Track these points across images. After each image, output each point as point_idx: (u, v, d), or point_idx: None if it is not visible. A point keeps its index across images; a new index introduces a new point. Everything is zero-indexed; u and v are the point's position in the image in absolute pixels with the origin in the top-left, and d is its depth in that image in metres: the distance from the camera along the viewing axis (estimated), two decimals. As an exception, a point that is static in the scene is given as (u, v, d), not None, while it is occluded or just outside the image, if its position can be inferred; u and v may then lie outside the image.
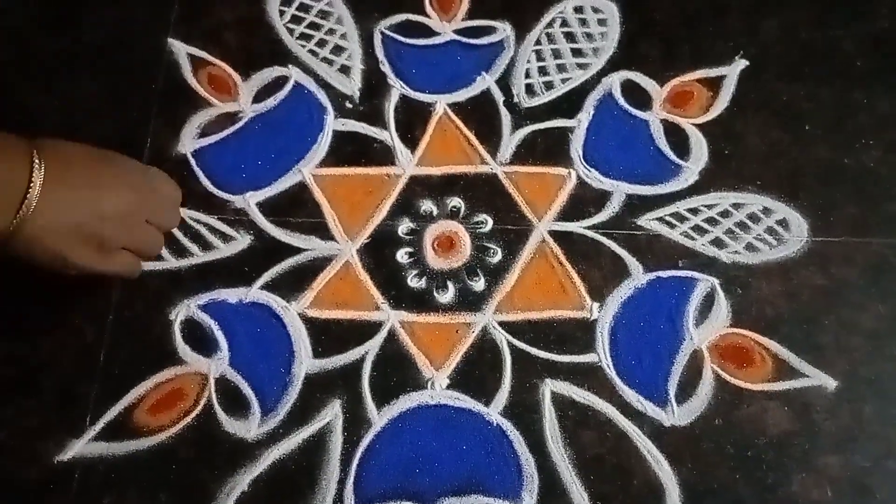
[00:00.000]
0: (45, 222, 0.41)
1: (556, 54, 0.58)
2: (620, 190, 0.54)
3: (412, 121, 0.57)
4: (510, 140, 0.56)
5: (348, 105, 0.57)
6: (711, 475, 0.46)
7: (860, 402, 0.48)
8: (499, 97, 0.57)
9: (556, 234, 0.53)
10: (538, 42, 0.59)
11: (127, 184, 0.46)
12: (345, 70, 0.58)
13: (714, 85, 0.57)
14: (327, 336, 0.50)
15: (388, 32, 0.59)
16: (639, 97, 0.57)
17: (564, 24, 0.59)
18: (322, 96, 0.57)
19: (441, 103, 0.57)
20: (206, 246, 0.53)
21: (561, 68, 0.58)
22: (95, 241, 0.43)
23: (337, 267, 0.52)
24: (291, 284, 0.52)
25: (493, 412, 0.48)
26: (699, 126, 0.55)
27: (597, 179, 0.54)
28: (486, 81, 0.57)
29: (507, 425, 0.48)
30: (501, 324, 0.51)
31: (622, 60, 0.58)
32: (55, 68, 0.58)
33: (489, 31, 0.59)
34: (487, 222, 0.54)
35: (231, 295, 0.52)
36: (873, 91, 0.56)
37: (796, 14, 0.59)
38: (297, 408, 0.49)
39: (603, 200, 0.54)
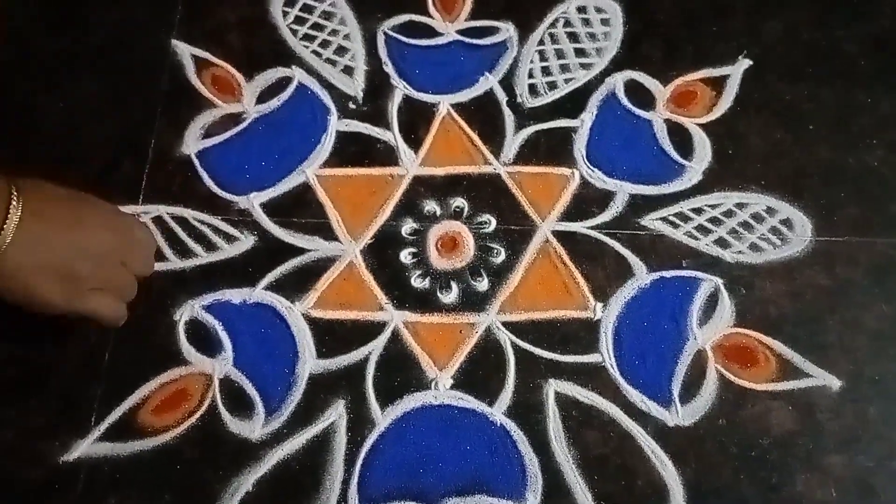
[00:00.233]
0: (19, 260, 0.41)
1: (560, 54, 0.58)
2: (624, 190, 0.54)
3: (415, 121, 0.57)
4: (513, 140, 0.56)
5: (352, 106, 0.57)
6: (715, 475, 0.46)
7: (864, 402, 0.48)
8: (502, 97, 0.57)
9: (559, 234, 0.53)
10: (541, 42, 0.59)
11: (104, 225, 0.46)
12: (348, 71, 0.58)
13: (717, 84, 0.57)
14: (331, 336, 0.51)
15: (391, 33, 0.59)
16: (642, 97, 0.57)
17: (567, 23, 0.59)
18: (325, 97, 0.57)
19: (444, 104, 0.57)
20: (209, 246, 0.53)
21: (564, 68, 0.58)
22: (69, 280, 0.43)
23: (341, 267, 0.52)
24: (295, 285, 0.52)
25: (497, 412, 0.48)
26: (703, 126, 0.55)
27: (600, 179, 0.54)
28: (490, 82, 0.58)
29: (511, 425, 0.48)
30: (505, 324, 0.51)
31: (625, 60, 0.58)
32: (58, 69, 0.58)
33: (492, 31, 0.59)
34: (491, 222, 0.54)
35: (235, 295, 0.52)
36: (875, 91, 0.56)
37: (798, 14, 0.59)
38: (301, 408, 0.49)
39: (606, 200, 0.54)
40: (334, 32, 0.60)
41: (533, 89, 0.57)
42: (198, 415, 0.48)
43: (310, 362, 0.50)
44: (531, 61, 0.58)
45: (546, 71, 0.58)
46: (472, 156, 0.56)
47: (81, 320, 0.46)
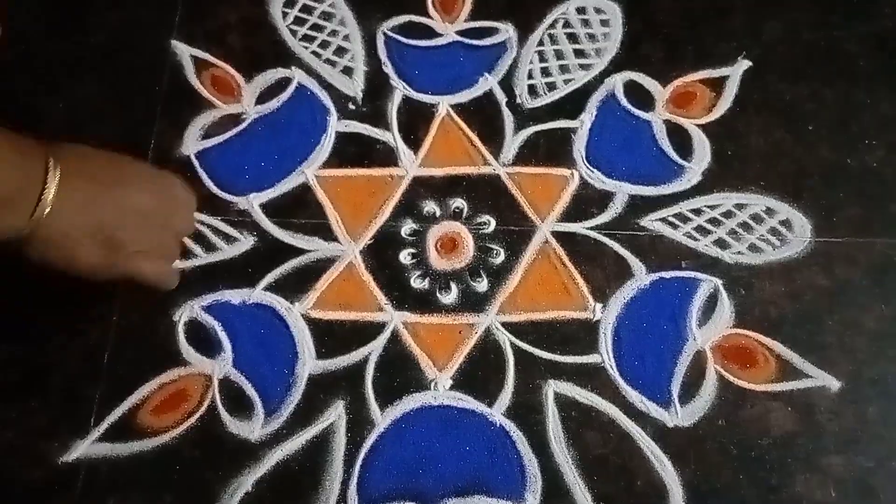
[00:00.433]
0: (59, 225, 0.40)
1: (559, 55, 0.58)
2: (623, 190, 0.54)
3: (415, 122, 0.57)
4: (513, 141, 0.56)
5: (351, 106, 0.57)
6: (715, 476, 0.46)
7: (864, 403, 0.48)
8: (501, 98, 0.57)
9: (559, 235, 0.53)
10: (541, 43, 0.59)
11: (144, 186, 0.46)
12: (347, 71, 0.58)
13: (717, 85, 0.57)
14: (331, 337, 0.51)
15: (390, 34, 0.59)
16: (641, 98, 0.57)
17: (567, 24, 0.59)
18: (325, 98, 0.57)
19: (444, 104, 0.57)
20: (209, 247, 0.53)
21: (563, 69, 0.58)
22: (111, 244, 0.43)
23: (340, 268, 0.52)
24: (295, 285, 0.52)
25: (497, 413, 0.48)
26: (702, 126, 0.55)
27: (599, 180, 0.54)
28: (489, 82, 0.58)
29: (511, 426, 0.48)
30: (504, 325, 0.51)
31: (625, 61, 0.58)
32: (59, 70, 0.59)
33: (492, 32, 0.59)
34: (490, 223, 0.54)
35: (234, 296, 0.52)
36: (876, 91, 0.56)
37: (799, 15, 0.58)
38: (301, 409, 0.49)
39: (606, 201, 0.54)
40: (334, 33, 0.60)
41: (532, 90, 0.57)
42: (197, 415, 0.49)
43: (309, 363, 0.50)
44: (531, 62, 0.58)
45: (545, 72, 0.58)
46: (471, 156, 0.56)
47: (130, 283, 0.46)
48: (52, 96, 0.58)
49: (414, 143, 0.56)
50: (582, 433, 0.48)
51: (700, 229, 0.53)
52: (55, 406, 0.49)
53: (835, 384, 0.48)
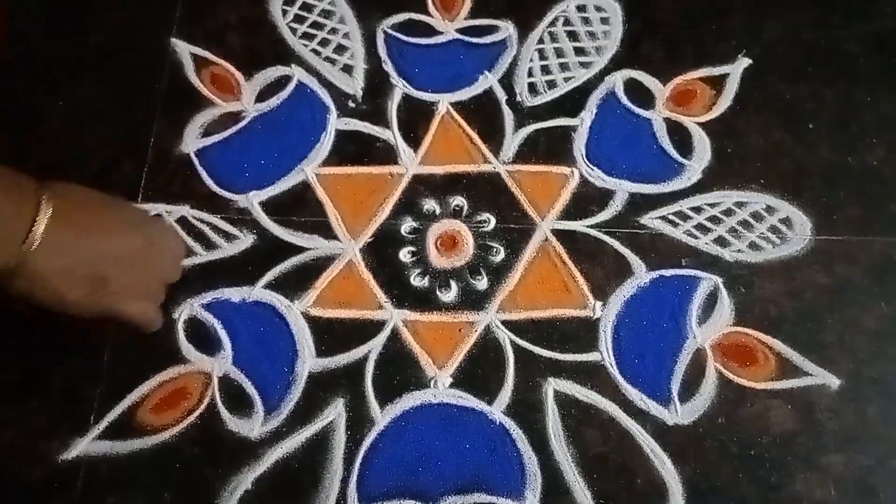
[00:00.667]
0: (46, 261, 0.41)
1: (559, 53, 0.58)
2: (623, 188, 0.54)
3: (415, 120, 0.57)
4: (513, 139, 0.56)
5: (351, 104, 0.57)
6: (715, 474, 0.46)
7: (864, 401, 0.48)
8: (501, 96, 0.57)
9: (558, 233, 0.53)
10: (541, 41, 0.59)
11: (133, 229, 0.46)
12: (347, 69, 0.58)
13: (717, 83, 0.57)
14: (330, 335, 0.51)
15: (390, 32, 0.59)
16: (642, 96, 0.57)
17: (567, 22, 0.59)
18: (325, 95, 0.57)
19: (444, 102, 0.57)
20: (209, 245, 0.53)
21: (564, 67, 0.58)
22: (97, 284, 0.43)
23: (340, 266, 0.52)
24: (294, 283, 0.52)
25: (497, 411, 0.48)
26: (702, 125, 0.55)
27: (600, 178, 0.54)
28: (489, 80, 0.58)
29: (511, 424, 0.48)
30: (504, 322, 0.51)
31: (625, 59, 0.58)
32: (59, 70, 0.59)
33: (492, 29, 0.59)
34: (490, 221, 0.54)
35: (234, 294, 0.52)
36: (876, 91, 0.56)
37: (799, 14, 0.58)
38: (301, 406, 0.49)
39: (606, 199, 0.54)
40: (334, 31, 0.60)
41: (532, 88, 0.57)
42: (197, 413, 0.49)
43: (309, 361, 0.50)
44: (531, 60, 0.58)
45: (546, 70, 0.58)
46: (471, 154, 0.56)
47: (115, 322, 0.46)
48: (52, 96, 0.58)
49: (414, 141, 0.56)
50: (582, 431, 0.48)
51: (700, 227, 0.53)
52: (55, 405, 0.49)
53: (835, 382, 0.48)
